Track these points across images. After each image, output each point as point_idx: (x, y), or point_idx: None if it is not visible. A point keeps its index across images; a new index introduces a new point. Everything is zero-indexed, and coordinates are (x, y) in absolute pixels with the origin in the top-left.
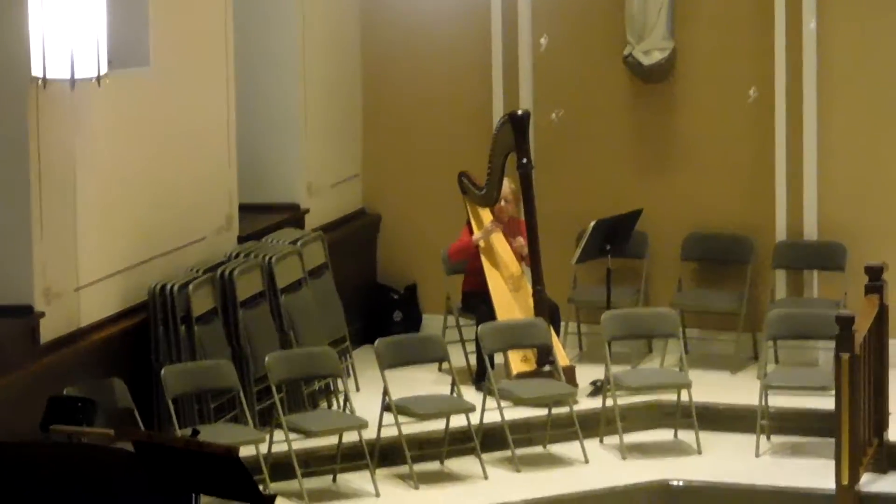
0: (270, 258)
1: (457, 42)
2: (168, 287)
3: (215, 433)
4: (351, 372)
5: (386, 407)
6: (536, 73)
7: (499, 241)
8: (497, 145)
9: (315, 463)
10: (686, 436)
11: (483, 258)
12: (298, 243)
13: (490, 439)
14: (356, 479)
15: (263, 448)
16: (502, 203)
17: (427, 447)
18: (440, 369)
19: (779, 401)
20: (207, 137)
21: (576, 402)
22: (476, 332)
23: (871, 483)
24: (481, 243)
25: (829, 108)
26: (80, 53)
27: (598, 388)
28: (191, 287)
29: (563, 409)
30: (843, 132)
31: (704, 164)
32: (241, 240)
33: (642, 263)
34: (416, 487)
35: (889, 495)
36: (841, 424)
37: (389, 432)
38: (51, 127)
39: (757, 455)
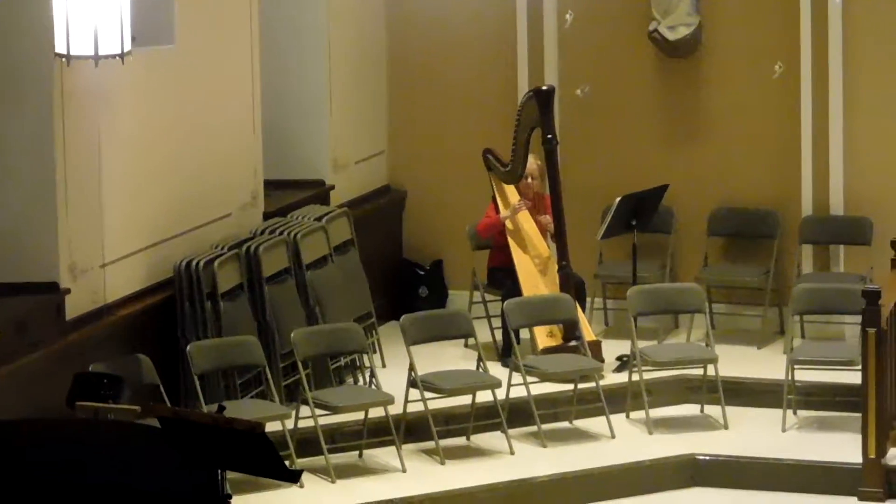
0: (296, 234)
1: (482, 18)
2: (194, 263)
3: (241, 409)
4: (377, 348)
5: (412, 382)
6: (561, 49)
7: (525, 218)
8: (522, 121)
9: (341, 439)
10: (712, 410)
11: (509, 234)
12: (324, 219)
13: (516, 415)
14: (382, 455)
15: (290, 424)
16: (528, 179)
17: (453, 423)
18: (466, 345)
19: (805, 375)
20: (233, 114)
21: (602, 377)
22: (502, 308)
23: None
24: (508, 222)
25: (855, 81)
26: (104, 30)
27: (624, 363)
28: (216, 263)
29: (590, 385)
30: (869, 105)
31: (730, 139)
32: (267, 216)
33: (668, 238)
34: (443, 463)
35: None
36: (867, 399)
37: (415, 408)
38: (75, 104)
39: (783, 430)
